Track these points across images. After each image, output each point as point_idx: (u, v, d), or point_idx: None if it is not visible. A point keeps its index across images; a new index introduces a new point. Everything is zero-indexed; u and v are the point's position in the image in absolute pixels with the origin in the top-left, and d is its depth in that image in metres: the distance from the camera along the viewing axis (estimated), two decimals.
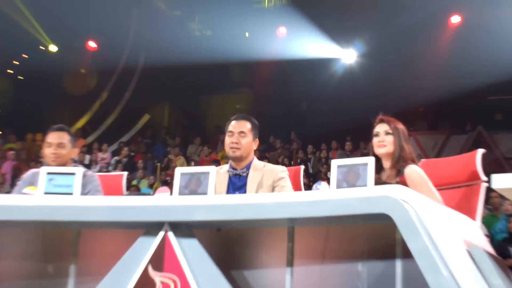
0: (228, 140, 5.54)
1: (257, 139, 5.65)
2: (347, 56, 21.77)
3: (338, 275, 4.05)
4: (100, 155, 16.71)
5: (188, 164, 16.87)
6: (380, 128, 5.07)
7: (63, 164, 5.79)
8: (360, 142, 16.45)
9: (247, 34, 22.00)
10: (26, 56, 24.04)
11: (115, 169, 16.63)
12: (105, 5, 21.33)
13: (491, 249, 4.23)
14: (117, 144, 19.52)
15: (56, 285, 4.42)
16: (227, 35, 20.71)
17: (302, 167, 5.91)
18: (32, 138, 19.71)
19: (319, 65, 21.17)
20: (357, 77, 21.00)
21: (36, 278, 4.51)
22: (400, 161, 4.95)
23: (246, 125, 5.52)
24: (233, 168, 5.53)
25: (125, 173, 6.40)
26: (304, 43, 20.90)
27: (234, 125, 5.58)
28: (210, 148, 18.67)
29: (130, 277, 4.02)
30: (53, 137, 6.11)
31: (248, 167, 5.48)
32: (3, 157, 16.82)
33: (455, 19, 20.56)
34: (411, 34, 20.17)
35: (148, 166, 17.34)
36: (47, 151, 6.06)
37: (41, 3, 21.11)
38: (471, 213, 4.80)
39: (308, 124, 18.76)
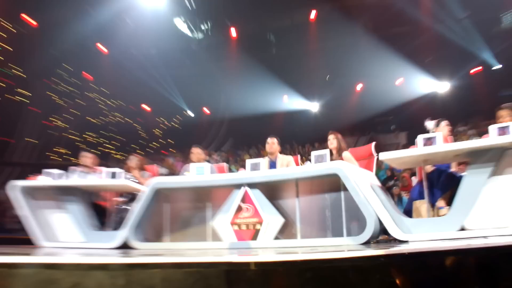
0: (267, 147, 5.50)
1: (279, 146, 5.63)
2: (313, 106, 21.27)
3: (318, 200, 4.10)
4: (214, 157, 16.39)
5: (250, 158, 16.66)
6: (331, 137, 5.10)
7: (200, 161, 5.72)
8: (323, 144, 16.25)
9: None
10: (180, 117, 22.92)
11: (219, 162, 16.60)
12: (210, 86, 20.37)
13: (379, 184, 4.28)
14: (220, 152, 19.14)
15: (202, 212, 4.50)
16: (256, 100, 20.28)
17: (298, 155, 5.90)
18: (189, 151, 18.52)
19: (298, 112, 20.94)
20: (319, 116, 20.74)
21: (194, 210, 4.59)
22: (340, 150, 4.99)
23: (275, 140, 5.51)
24: (270, 158, 5.52)
25: (226, 164, 6.39)
26: (294, 102, 20.83)
27: (269, 140, 5.54)
28: (259, 150, 18.24)
29: (232, 205, 4.14)
30: (194, 151, 5.97)
31: (276, 157, 5.47)
32: (177, 161, 16.25)
33: (359, 86, 20.14)
34: (341, 94, 19.88)
35: (235, 160, 16.98)
36: (193, 156, 5.97)
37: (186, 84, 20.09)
38: (370, 169, 4.86)
39: (299, 137, 18.51)
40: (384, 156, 3.90)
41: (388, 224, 3.56)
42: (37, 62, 15.84)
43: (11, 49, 14.84)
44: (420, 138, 3.78)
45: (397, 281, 1.81)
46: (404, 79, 18.29)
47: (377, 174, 5.69)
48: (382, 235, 3.87)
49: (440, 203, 3.99)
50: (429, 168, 4.23)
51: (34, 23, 14.70)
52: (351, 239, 3.71)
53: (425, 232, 3.41)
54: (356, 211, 3.77)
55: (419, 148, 3.73)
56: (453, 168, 4.32)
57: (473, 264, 1.76)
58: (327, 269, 1.83)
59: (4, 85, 15.09)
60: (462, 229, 3.31)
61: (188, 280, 1.62)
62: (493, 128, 3.40)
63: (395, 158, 3.91)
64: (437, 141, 3.65)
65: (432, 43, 16.45)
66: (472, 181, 3.36)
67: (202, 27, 16.99)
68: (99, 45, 17.04)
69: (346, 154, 4.97)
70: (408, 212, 4.27)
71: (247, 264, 1.68)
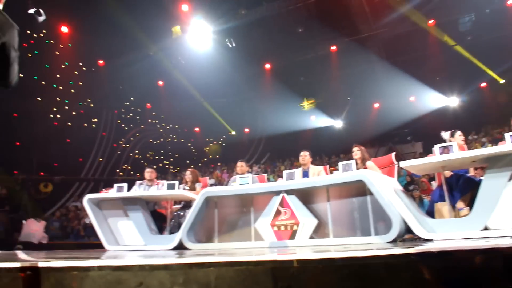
0: (301, 159, 5.40)
1: (311, 158, 5.51)
2: (337, 123, 20.66)
3: (347, 203, 3.96)
4: (255, 169, 15.82)
5: (285, 169, 16.37)
6: (355, 149, 4.95)
7: (244, 173, 5.62)
8: (348, 155, 15.87)
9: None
10: (224, 136, 22.49)
11: (259, 173, 16.25)
12: (249, 110, 20.32)
13: (401, 188, 4.09)
14: (259, 165, 18.89)
15: (246, 216, 4.44)
16: (288, 120, 20.08)
17: (327, 166, 5.75)
18: (232, 165, 17.44)
19: (324, 129, 20.46)
20: (342, 131, 20.32)
21: (239, 214, 4.53)
22: (364, 160, 4.82)
23: (307, 153, 5.40)
24: (303, 169, 5.41)
25: (265, 175, 6.29)
26: (320, 120, 20.58)
27: (302, 153, 5.45)
28: (293, 162, 17.87)
29: (272, 209, 4.05)
30: (239, 164, 5.72)
31: (308, 168, 5.35)
32: (224, 173, 16.07)
33: (376, 105, 19.79)
34: (361, 112, 19.54)
35: (273, 171, 16.62)
36: (238, 169, 5.88)
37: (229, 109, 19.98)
38: (392, 176, 4.67)
39: (326, 150, 18.13)
40: (405, 164, 3.73)
41: (412, 224, 3.36)
42: (107, 95, 16.47)
43: (81, 83, 15.53)
44: (437, 147, 3.61)
45: (427, 279, 1.67)
46: (417, 96, 17.71)
47: (398, 180, 5.50)
48: (407, 234, 3.67)
49: (460, 204, 3.74)
50: (448, 173, 4.00)
51: (101, 62, 15.28)
52: (378, 238, 3.54)
53: (449, 232, 3.19)
54: (382, 212, 3.61)
55: (437, 156, 3.55)
56: (471, 173, 4.07)
57: (502, 263, 1.58)
58: (362, 266, 1.72)
59: (75, 114, 15.66)
60: (486, 228, 3.07)
61: (239, 277, 1.55)
62: (509, 136, 3.17)
63: (415, 165, 3.73)
64: (454, 149, 3.49)
65: (440, 64, 15.94)
66: (492, 184, 3.12)
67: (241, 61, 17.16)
68: (158, 82, 17.52)
69: (369, 163, 4.82)
70: (430, 213, 4.03)
71: (290, 261, 1.59)
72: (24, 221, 9.87)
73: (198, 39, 13.62)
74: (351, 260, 1.68)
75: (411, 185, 8.79)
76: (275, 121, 20.13)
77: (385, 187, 3.60)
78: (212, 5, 12.61)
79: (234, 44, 14.10)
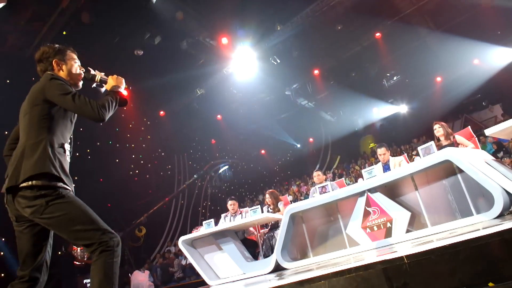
0: (380, 158, 5.26)
1: (388, 151, 5.31)
2: (401, 108, 19.66)
3: (438, 187, 3.74)
4: (329, 175, 15.45)
5: (361, 168, 15.82)
6: (436, 126, 4.85)
7: (321, 182, 5.57)
8: (421, 138, 14.98)
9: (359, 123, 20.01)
10: (291, 151, 22.96)
11: (336, 179, 15.72)
12: (309, 119, 20.09)
13: (491, 157, 3.79)
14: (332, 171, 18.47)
15: (335, 223, 4.34)
16: (350, 118, 19.83)
17: (405, 154, 5.49)
18: (304, 177, 17.81)
19: (390, 118, 19.69)
20: (407, 116, 19.33)
21: (327, 224, 4.44)
22: (448, 135, 4.64)
23: (382, 149, 5.25)
24: (383, 162, 5.23)
25: (343, 179, 6.11)
26: (383, 110, 19.82)
27: (379, 150, 5.32)
28: (367, 159, 17.29)
29: (360, 211, 3.93)
30: (315, 174, 5.76)
31: (388, 161, 5.17)
32: (301, 186, 15.82)
33: (438, 78, 18.53)
34: (424, 91, 18.51)
35: (347, 173, 16.15)
36: (316, 179, 5.86)
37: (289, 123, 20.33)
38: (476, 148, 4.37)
39: (396, 139, 17.36)
40: (491, 131, 3.41)
41: None
42: (174, 142, 17.40)
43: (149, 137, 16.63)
44: None
45: None
46: (480, 57, 16.29)
47: (484, 150, 5.13)
48: None
49: None
50: None
51: (162, 112, 16.20)
52: (482, 216, 3.27)
53: None
54: (479, 188, 3.36)
55: None
56: None
57: None
58: (477, 247, 1.60)
59: (150, 166, 16.74)
60: None
61: (352, 285, 1.52)
62: None
63: (503, 129, 3.41)
64: None
65: (497, 17, 14.56)
66: None
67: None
68: (217, 116, 18.11)
69: (458, 137, 4.79)
70: None
71: (400, 258, 1.53)
72: (130, 274, 10.58)
73: (244, 65, 13.92)
74: (464, 244, 1.57)
75: (500, 151, 8.07)
76: (337, 123, 19.73)
77: (475, 161, 3.35)
78: (250, 29, 12.90)
79: (278, 61, 14.18)
